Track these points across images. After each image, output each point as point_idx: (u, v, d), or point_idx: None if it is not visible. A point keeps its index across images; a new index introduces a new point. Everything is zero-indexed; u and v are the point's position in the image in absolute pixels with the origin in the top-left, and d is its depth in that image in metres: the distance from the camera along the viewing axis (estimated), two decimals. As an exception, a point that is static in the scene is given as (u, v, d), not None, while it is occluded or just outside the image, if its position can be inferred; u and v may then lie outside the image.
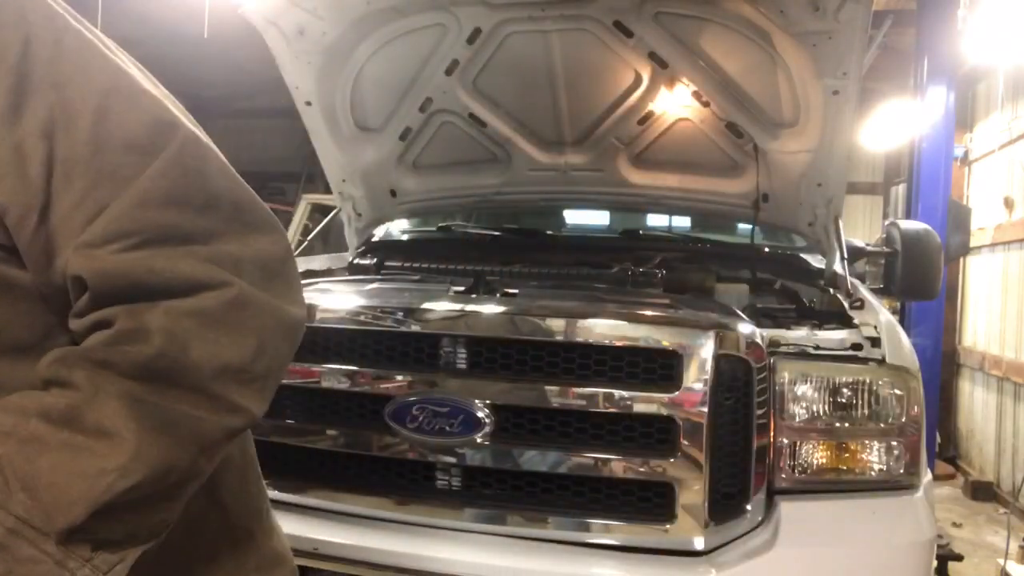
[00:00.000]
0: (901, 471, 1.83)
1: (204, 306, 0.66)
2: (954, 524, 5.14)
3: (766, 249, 2.97)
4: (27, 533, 0.61)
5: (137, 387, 0.64)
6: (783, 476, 1.85)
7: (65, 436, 0.62)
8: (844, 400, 1.86)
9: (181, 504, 0.69)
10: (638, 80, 2.63)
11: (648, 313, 1.94)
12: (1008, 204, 5.71)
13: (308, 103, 2.77)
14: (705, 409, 1.75)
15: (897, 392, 1.86)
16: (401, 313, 1.99)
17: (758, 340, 1.85)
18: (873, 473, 1.84)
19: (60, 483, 0.61)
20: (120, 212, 0.64)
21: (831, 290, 2.48)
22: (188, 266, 0.65)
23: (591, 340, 1.84)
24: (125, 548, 0.65)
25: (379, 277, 2.74)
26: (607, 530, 1.82)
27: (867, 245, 2.91)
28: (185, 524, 0.71)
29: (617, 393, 1.80)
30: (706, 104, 2.63)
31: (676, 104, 2.67)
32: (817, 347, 1.92)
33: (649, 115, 2.73)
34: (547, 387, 1.84)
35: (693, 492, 1.76)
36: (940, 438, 6.18)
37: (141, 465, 0.63)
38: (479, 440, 1.87)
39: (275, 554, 0.88)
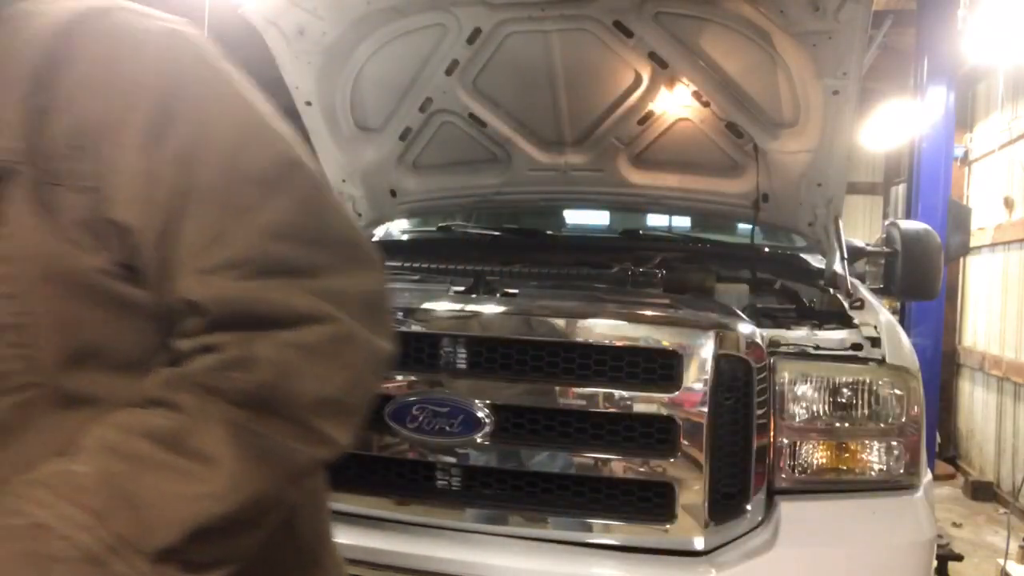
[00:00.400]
0: (901, 471, 1.83)
1: (310, 339, 0.68)
2: (954, 524, 5.14)
3: (766, 249, 2.97)
4: (124, 550, 0.61)
5: (241, 415, 0.65)
6: (783, 476, 1.85)
7: (168, 458, 0.63)
8: (844, 400, 1.86)
9: (267, 531, 0.70)
10: (638, 80, 2.63)
11: (648, 313, 1.94)
12: (1008, 204, 5.71)
13: (308, 103, 2.77)
14: (705, 409, 1.75)
15: (897, 392, 1.86)
16: (401, 313, 1.99)
17: (758, 340, 1.85)
18: (873, 473, 1.84)
19: (159, 504, 0.62)
20: (240, 242, 0.67)
21: (831, 290, 2.48)
22: (299, 299, 0.68)
23: (591, 340, 1.84)
24: (211, 571, 0.66)
25: (379, 277, 2.74)
26: (607, 530, 1.82)
27: (867, 245, 2.91)
28: (261, 549, 0.72)
29: (617, 393, 1.80)
30: (706, 104, 2.63)
31: (676, 104, 2.67)
32: (817, 347, 1.92)
33: (649, 115, 2.73)
34: (547, 387, 1.84)
35: (693, 492, 1.75)
36: (940, 438, 6.18)
37: (237, 493, 0.65)
38: (479, 440, 1.87)
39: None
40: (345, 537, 1.91)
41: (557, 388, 1.83)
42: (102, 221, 0.66)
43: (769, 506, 1.83)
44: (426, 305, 1.99)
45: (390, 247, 3.23)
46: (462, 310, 1.93)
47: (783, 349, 1.91)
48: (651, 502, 1.82)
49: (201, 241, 0.66)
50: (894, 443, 1.84)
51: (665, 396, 1.77)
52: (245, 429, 0.65)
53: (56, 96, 0.66)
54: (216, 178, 0.67)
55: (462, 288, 2.31)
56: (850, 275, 2.44)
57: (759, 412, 1.82)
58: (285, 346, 0.67)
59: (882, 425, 1.84)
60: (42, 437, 0.65)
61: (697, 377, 1.76)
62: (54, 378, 0.66)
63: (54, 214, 0.65)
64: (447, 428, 1.88)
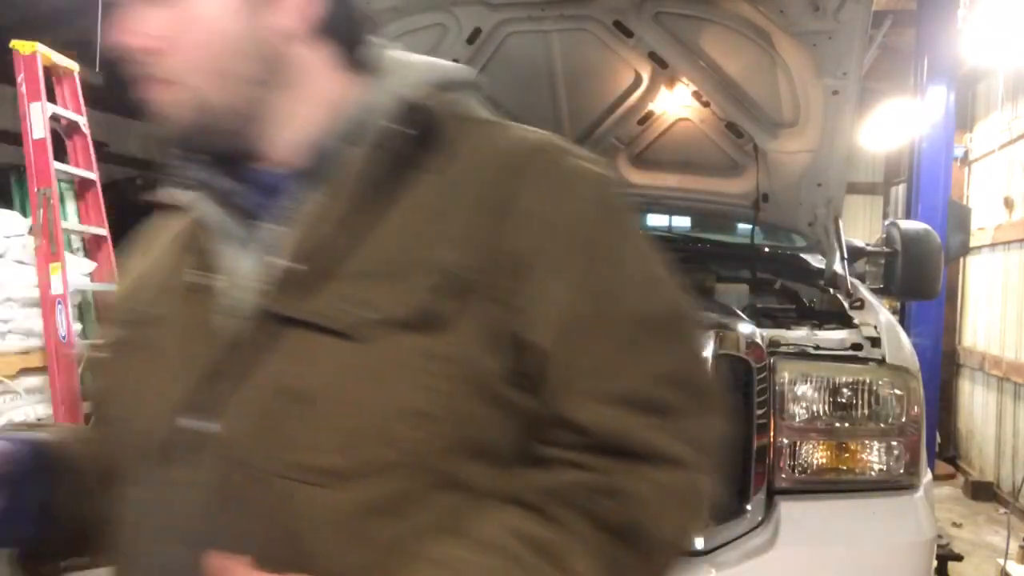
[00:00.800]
0: (901, 471, 1.83)
1: (670, 482, 0.71)
2: (954, 524, 5.14)
3: (766, 249, 2.97)
4: None
5: (607, 541, 0.68)
6: (783, 476, 1.85)
7: (540, 565, 0.67)
8: (844, 400, 1.86)
9: None
10: (638, 80, 2.63)
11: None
12: (1008, 204, 5.71)
13: (308, 103, 2.77)
14: (705, 409, 1.74)
15: (897, 392, 1.86)
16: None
17: (758, 340, 1.85)
18: (873, 473, 1.84)
19: None
20: (631, 379, 0.72)
21: (831, 290, 2.48)
22: (667, 441, 0.71)
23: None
24: None
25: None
26: (607, 530, 1.82)
27: (867, 245, 2.91)
28: None
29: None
30: (706, 104, 2.63)
31: (676, 104, 2.67)
32: (817, 347, 1.92)
33: (649, 115, 2.73)
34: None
35: (693, 492, 1.75)
36: (940, 438, 6.18)
37: None
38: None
39: None
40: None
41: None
42: (517, 337, 0.71)
43: (769, 506, 1.83)
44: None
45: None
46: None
47: (783, 349, 1.91)
48: (651, 502, 1.81)
49: (596, 370, 0.72)
50: (894, 443, 1.84)
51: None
52: (612, 558, 0.68)
53: (503, 220, 0.73)
54: (622, 318, 0.74)
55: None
56: (850, 275, 2.44)
57: (759, 412, 1.81)
58: (651, 484, 0.70)
59: (882, 425, 1.84)
60: (427, 518, 0.70)
61: (697, 377, 1.75)
62: (449, 467, 0.71)
63: (481, 324, 0.71)
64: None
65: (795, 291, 2.60)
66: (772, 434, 1.84)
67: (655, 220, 3.48)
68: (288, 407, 0.70)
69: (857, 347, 1.92)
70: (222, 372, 0.72)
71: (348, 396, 0.69)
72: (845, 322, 2.09)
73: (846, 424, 1.87)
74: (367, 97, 0.77)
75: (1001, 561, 3.93)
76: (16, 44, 4.55)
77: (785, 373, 1.86)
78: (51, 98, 4.70)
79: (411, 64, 0.82)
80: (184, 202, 0.80)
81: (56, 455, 0.84)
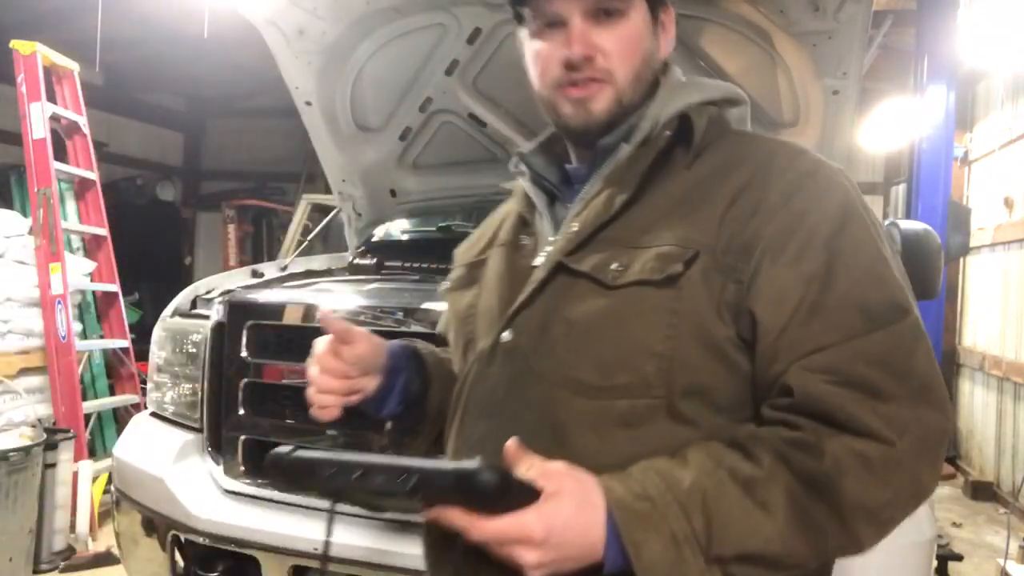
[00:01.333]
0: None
1: (867, 452, 0.83)
2: (954, 524, 5.14)
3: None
4: (693, 544, 0.81)
5: (798, 488, 0.83)
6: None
7: (740, 494, 0.83)
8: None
9: None
10: (638, 80, 2.63)
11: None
12: (1008, 204, 5.71)
13: (308, 103, 2.77)
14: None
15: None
16: (401, 313, 1.99)
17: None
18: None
19: (727, 524, 0.82)
20: (839, 355, 0.86)
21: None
22: (869, 417, 0.84)
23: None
24: None
25: (379, 277, 2.74)
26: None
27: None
28: None
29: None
30: (706, 104, 2.63)
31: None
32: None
33: (649, 115, 2.73)
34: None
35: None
36: (940, 438, 6.17)
37: (778, 543, 0.83)
38: (479, 440, 1.87)
39: None
40: (345, 537, 1.91)
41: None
42: (744, 307, 0.90)
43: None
44: (426, 305, 1.99)
45: (390, 247, 3.23)
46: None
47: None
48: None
49: (809, 344, 0.87)
50: (894, 443, 1.83)
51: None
52: (799, 501, 0.83)
53: (746, 209, 0.92)
54: (843, 302, 0.88)
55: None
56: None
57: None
58: (847, 450, 0.83)
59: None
60: (653, 434, 0.90)
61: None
62: (674, 397, 0.90)
63: (712, 292, 0.90)
64: (447, 428, 1.88)
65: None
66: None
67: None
68: (564, 333, 0.95)
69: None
70: (525, 303, 1.00)
71: (605, 332, 0.93)
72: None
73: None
74: (653, 107, 1.03)
75: (1001, 561, 3.93)
76: (16, 44, 4.54)
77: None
78: (51, 98, 4.70)
79: (688, 83, 1.09)
80: (523, 188, 1.15)
81: (422, 359, 1.18)
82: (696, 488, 0.83)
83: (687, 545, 0.81)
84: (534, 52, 1.06)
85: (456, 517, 0.81)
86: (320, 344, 1.07)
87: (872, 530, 0.86)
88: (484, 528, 0.80)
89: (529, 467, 0.84)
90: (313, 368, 1.07)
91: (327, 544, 1.01)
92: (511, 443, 0.86)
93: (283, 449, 0.90)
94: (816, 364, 0.86)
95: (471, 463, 0.79)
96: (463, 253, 1.25)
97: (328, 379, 1.06)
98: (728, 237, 0.92)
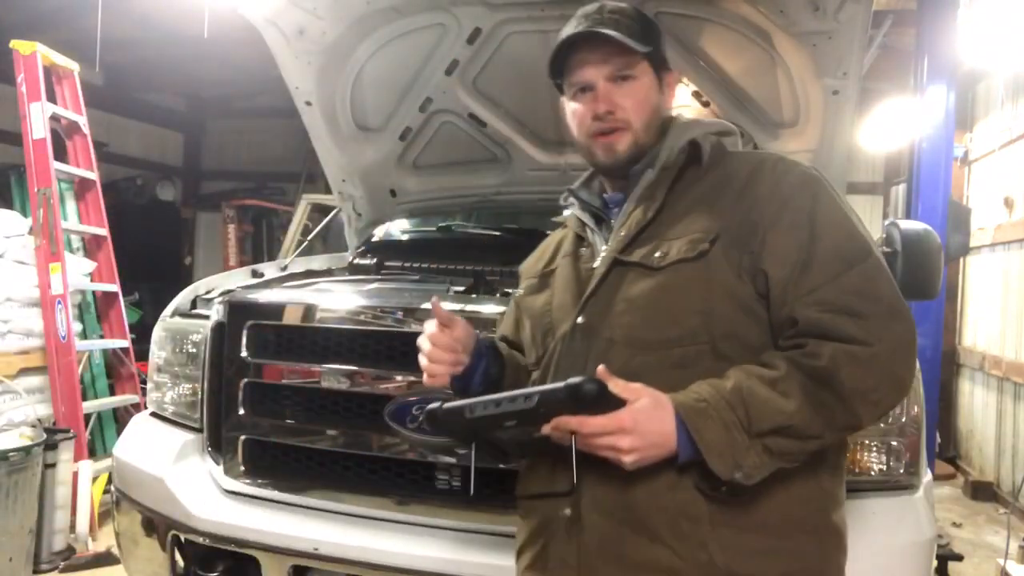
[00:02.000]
0: (901, 471, 1.83)
1: (854, 351, 1.17)
2: (954, 524, 5.14)
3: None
4: (739, 427, 1.16)
5: (807, 381, 1.17)
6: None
7: (767, 389, 1.17)
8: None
9: (808, 451, 1.20)
10: (638, 80, 2.62)
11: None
12: (1008, 204, 5.71)
13: (308, 103, 2.77)
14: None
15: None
16: (401, 313, 1.99)
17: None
18: (873, 473, 1.84)
19: (762, 408, 1.16)
20: (827, 292, 1.20)
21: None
22: (853, 328, 1.18)
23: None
24: (775, 458, 1.18)
25: (379, 277, 2.74)
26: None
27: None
28: (803, 466, 1.22)
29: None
30: (706, 104, 2.63)
31: (676, 104, 2.67)
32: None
33: (649, 115, 2.73)
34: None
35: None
36: (940, 438, 6.17)
37: (799, 417, 1.16)
38: (479, 440, 1.87)
39: (839, 532, 1.32)
40: (345, 537, 1.91)
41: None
42: (757, 270, 1.25)
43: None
44: (426, 305, 1.99)
45: (390, 247, 3.23)
46: (462, 310, 1.93)
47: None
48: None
49: (806, 287, 1.22)
50: (894, 443, 1.83)
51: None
52: (809, 389, 1.17)
53: (747, 202, 1.30)
54: (825, 255, 1.23)
55: (462, 288, 2.31)
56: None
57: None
58: (839, 351, 1.17)
59: (882, 425, 1.83)
60: (702, 372, 1.23)
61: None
62: (715, 342, 1.25)
63: (732, 263, 1.26)
64: (447, 428, 1.88)
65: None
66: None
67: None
68: (625, 309, 1.30)
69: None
70: (592, 293, 1.35)
71: (658, 301, 1.28)
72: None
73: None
74: (667, 142, 1.41)
75: (1001, 561, 3.93)
76: (16, 44, 4.54)
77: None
78: (51, 98, 4.69)
79: (692, 122, 1.46)
80: (574, 214, 1.51)
81: (498, 349, 1.52)
82: (736, 389, 1.17)
83: (735, 428, 1.16)
84: (572, 111, 1.43)
85: (569, 421, 1.14)
86: (430, 326, 1.42)
87: (867, 409, 1.20)
88: (591, 424, 1.14)
89: (614, 384, 1.16)
90: (425, 343, 1.41)
91: (471, 468, 1.34)
92: (600, 367, 1.16)
93: (434, 405, 1.26)
94: (812, 299, 1.21)
95: (576, 378, 1.11)
96: (530, 267, 1.61)
97: (440, 352, 1.40)
98: (738, 222, 1.27)
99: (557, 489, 1.29)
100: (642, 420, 1.15)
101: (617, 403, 1.14)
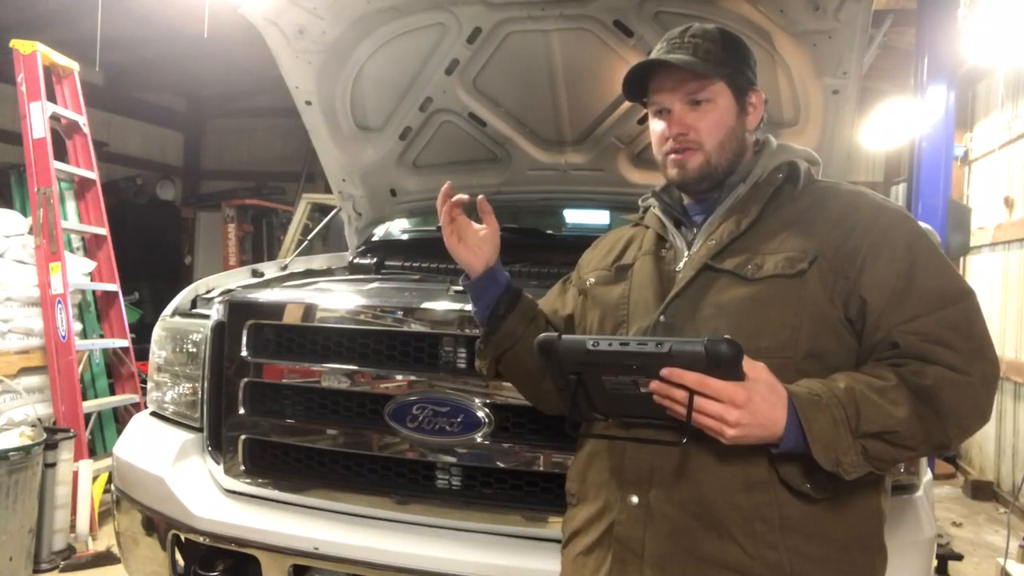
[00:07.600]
0: (901, 471, 1.83)
1: (953, 378, 1.24)
2: (954, 524, 5.14)
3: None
4: (845, 426, 1.21)
5: (912, 397, 1.23)
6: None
7: (877, 395, 1.23)
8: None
9: (891, 465, 1.28)
10: (638, 80, 2.62)
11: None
12: (1008, 204, 5.71)
13: (308, 103, 2.77)
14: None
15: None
16: (401, 313, 1.99)
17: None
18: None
19: (870, 412, 1.21)
20: (926, 323, 1.27)
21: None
22: (951, 358, 1.25)
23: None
24: (871, 461, 1.23)
25: (379, 277, 2.74)
26: (607, 530, 1.82)
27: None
28: (857, 486, 1.29)
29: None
30: (706, 104, 2.62)
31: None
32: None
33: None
34: (547, 387, 1.85)
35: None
36: (940, 438, 6.15)
37: (904, 427, 1.22)
38: (479, 440, 1.87)
39: (885, 552, 1.41)
40: (345, 537, 1.91)
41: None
42: (853, 295, 1.31)
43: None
44: (426, 305, 1.99)
45: (390, 247, 3.23)
46: (462, 310, 1.93)
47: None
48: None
49: (905, 315, 1.28)
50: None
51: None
52: (915, 403, 1.23)
53: (844, 230, 1.35)
54: (924, 289, 1.30)
55: (462, 288, 2.30)
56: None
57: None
58: (941, 375, 1.24)
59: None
60: (784, 383, 1.25)
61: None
62: (799, 357, 1.30)
63: (826, 285, 1.31)
64: (447, 428, 1.88)
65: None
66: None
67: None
68: (714, 314, 1.34)
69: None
70: (678, 294, 1.39)
71: (751, 311, 1.32)
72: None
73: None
74: (762, 160, 1.48)
75: (1001, 560, 3.93)
76: (16, 44, 4.54)
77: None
78: (51, 98, 4.70)
79: (784, 146, 1.52)
80: (654, 214, 1.57)
81: (520, 296, 1.61)
82: (848, 390, 1.22)
83: (842, 425, 1.20)
84: (653, 130, 1.49)
85: (691, 377, 1.17)
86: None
87: (956, 432, 1.27)
88: (710, 384, 1.17)
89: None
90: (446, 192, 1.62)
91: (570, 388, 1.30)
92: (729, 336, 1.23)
93: (550, 335, 1.29)
94: (911, 328, 1.27)
95: (716, 337, 1.16)
96: (598, 259, 1.63)
97: (491, 234, 1.61)
98: (835, 248, 1.33)
99: (662, 438, 1.28)
100: (756, 399, 1.18)
101: (738, 375, 1.18)
